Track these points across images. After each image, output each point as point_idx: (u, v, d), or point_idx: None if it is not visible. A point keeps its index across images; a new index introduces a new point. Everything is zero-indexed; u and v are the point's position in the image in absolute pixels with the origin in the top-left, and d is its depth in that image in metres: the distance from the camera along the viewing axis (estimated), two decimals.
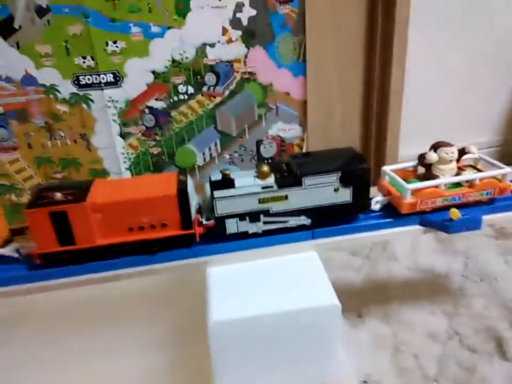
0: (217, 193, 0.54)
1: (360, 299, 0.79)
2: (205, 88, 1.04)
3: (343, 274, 0.86)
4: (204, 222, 0.54)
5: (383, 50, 1.15)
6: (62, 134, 0.99)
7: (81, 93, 0.96)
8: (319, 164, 0.56)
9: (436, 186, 0.58)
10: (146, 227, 0.52)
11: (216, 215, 0.54)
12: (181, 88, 1.03)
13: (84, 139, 1.01)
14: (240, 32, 1.02)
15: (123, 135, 1.02)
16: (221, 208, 0.53)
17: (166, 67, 1.00)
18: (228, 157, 1.13)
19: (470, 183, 0.60)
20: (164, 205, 0.52)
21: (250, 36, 1.04)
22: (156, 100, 1.02)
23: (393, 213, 0.60)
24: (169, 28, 0.97)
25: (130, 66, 0.98)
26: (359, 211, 0.59)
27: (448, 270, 0.86)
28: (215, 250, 0.56)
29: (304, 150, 1.18)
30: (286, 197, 0.54)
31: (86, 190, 0.52)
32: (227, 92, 1.06)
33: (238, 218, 0.54)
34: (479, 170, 0.62)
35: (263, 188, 0.54)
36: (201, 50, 1.01)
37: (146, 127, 1.03)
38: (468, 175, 0.60)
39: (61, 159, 1.01)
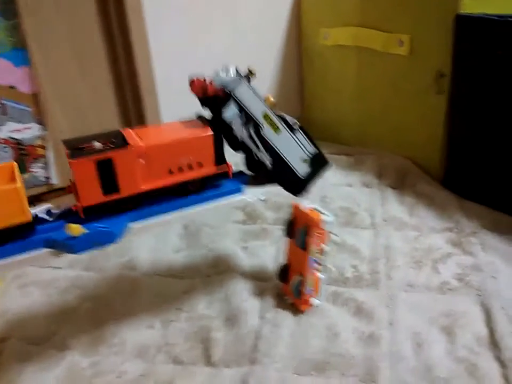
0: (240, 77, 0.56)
1: (72, 329, 0.70)
2: None
3: (65, 298, 0.76)
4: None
5: (120, 23, 1.04)
6: None
7: None
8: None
9: None
10: (185, 168, 0.55)
11: (229, 92, 0.55)
12: None
13: None
14: None
15: None
16: (239, 93, 0.55)
17: None
18: None
19: None
20: (201, 145, 0.55)
21: None
22: None
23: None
24: None
25: None
26: (297, 192, 0.65)
27: (189, 269, 0.82)
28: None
29: (46, 151, 1.03)
30: (278, 130, 0.59)
31: (121, 137, 0.52)
32: None
33: (239, 109, 0.56)
34: None
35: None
36: None
37: None
38: None
39: None
